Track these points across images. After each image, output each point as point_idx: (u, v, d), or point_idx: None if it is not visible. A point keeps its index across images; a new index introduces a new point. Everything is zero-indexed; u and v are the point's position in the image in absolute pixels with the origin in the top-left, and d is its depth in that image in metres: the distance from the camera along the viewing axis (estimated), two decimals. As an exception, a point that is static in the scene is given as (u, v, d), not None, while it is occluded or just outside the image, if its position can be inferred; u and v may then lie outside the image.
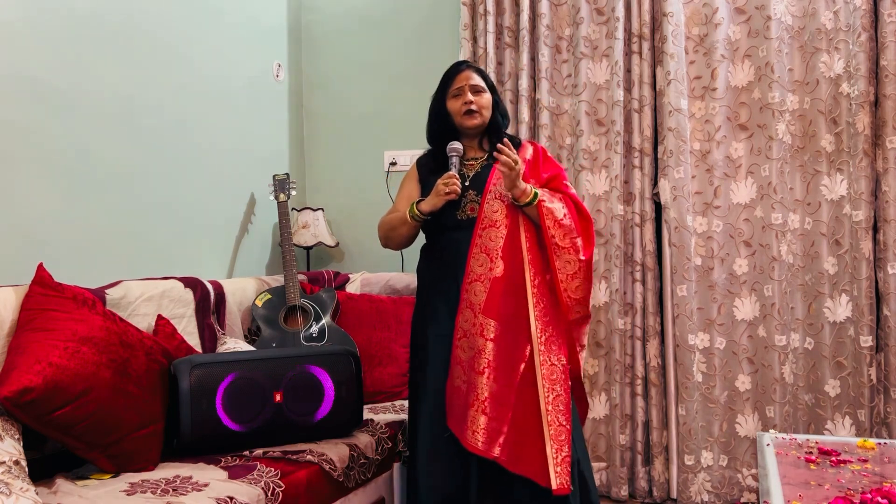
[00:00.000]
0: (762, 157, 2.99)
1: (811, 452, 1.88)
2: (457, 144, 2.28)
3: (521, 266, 2.19)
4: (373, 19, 3.61)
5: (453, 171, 2.24)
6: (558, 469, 2.03)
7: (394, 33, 3.58)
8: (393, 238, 2.40)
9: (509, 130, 2.54)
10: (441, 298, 2.27)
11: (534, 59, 3.22)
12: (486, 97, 2.33)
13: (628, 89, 3.10)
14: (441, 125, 2.37)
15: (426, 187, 2.36)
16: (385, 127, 3.58)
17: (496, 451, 2.07)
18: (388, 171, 3.56)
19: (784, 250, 2.95)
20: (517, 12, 3.23)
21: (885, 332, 2.80)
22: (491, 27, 3.22)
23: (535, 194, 2.19)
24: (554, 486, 2.02)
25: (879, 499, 1.45)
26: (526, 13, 3.17)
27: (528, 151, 2.36)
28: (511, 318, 2.16)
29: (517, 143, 2.35)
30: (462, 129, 2.34)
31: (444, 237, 2.32)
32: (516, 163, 2.14)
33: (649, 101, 3.08)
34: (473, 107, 2.30)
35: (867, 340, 2.80)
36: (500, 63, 3.26)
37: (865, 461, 1.80)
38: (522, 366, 2.12)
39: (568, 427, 2.08)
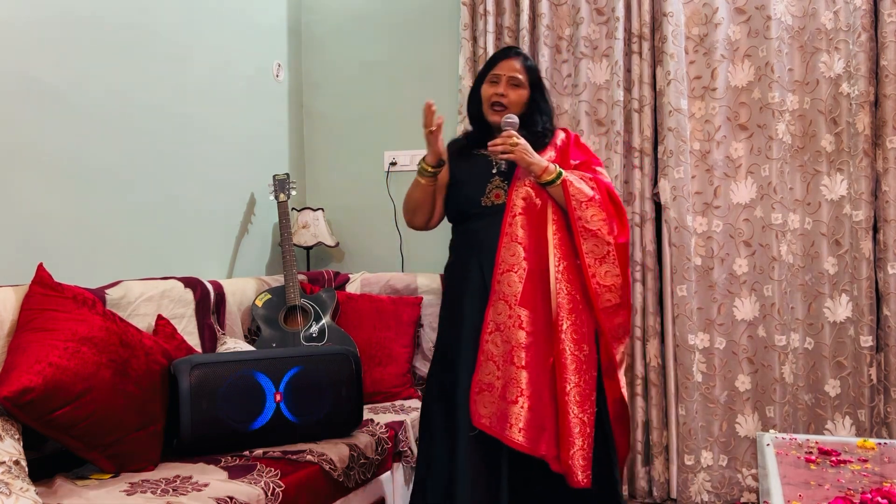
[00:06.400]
0: (762, 157, 2.99)
1: (811, 452, 1.88)
2: (513, 119, 2.17)
3: (548, 253, 2.11)
4: (373, 19, 3.61)
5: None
6: (570, 462, 1.98)
7: (394, 33, 3.58)
8: (410, 207, 2.31)
9: None
10: (464, 289, 2.19)
11: (534, 59, 3.22)
12: (521, 94, 2.23)
13: (628, 89, 3.10)
14: (476, 109, 2.30)
15: (455, 169, 2.29)
16: (385, 127, 3.58)
17: (543, 448, 2.01)
18: (388, 171, 3.55)
19: (784, 250, 2.95)
20: (517, 12, 3.23)
21: (885, 332, 2.80)
22: (491, 27, 3.22)
23: (560, 173, 2.11)
24: (572, 481, 1.98)
25: (879, 499, 1.45)
26: (526, 13, 3.17)
27: (559, 138, 2.28)
28: (541, 308, 2.08)
29: (549, 133, 2.27)
30: (487, 121, 2.26)
31: (467, 225, 2.25)
32: (514, 143, 2.08)
33: (649, 101, 3.08)
34: (503, 101, 2.21)
35: (867, 340, 2.80)
36: (500, 63, 3.26)
37: (865, 461, 1.80)
38: (551, 359, 2.06)
39: (584, 419, 2.01)
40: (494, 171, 2.20)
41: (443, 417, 2.18)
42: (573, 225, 2.11)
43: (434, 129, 2.16)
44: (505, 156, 2.10)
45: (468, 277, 2.19)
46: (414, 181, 2.28)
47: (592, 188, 2.13)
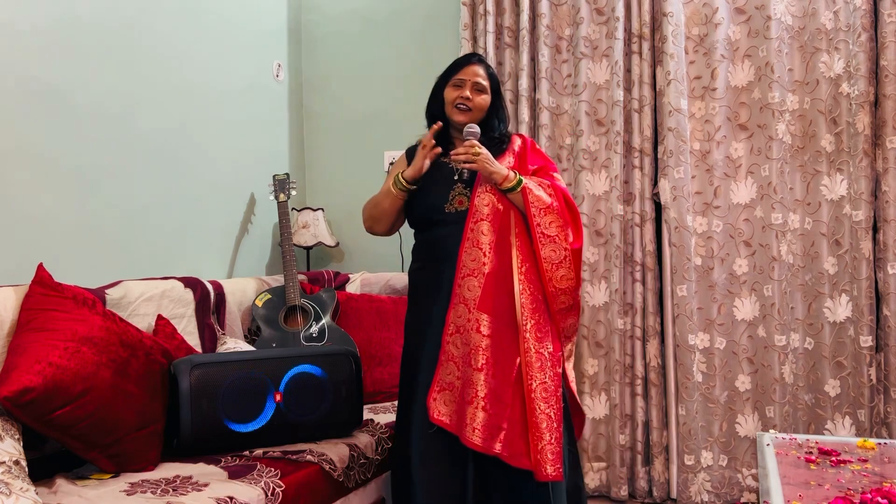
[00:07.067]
0: (762, 157, 2.99)
1: (811, 452, 1.88)
2: (474, 128, 2.23)
3: (510, 257, 2.18)
4: (373, 20, 3.61)
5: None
6: (539, 457, 2.03)
7: (394, 33, 3.58)
8: (376, 216, 2.36)
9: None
10: (433, 296, 2.25)
11: (534, 59, 3.22)
12: (485, 99, 2.30)
13: (628, 89, 3.10)
14: (438, 110, 2.34)
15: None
16: (385, 127, 3.58)
17: (497, 447, 2.06)
18: (387, 171, 3.55)
19: (784, 250, 2.95)
20: (517, 12, 3.23)
21: (885, 332, 2.80)
22: (491, 27, 3.22)
23: (520, 181, 2.18)
24: (540, 475, 2.03)
25: (879, 499, 1.45)
26: (526, 13, 3.17)
27: (517, 144, 2.34)
28: (503, 312, 2.15)
29: (506, 139, 2.34)
30: (451, 121, 2.31)
31: (432, 232, 2.29)
32: (476, 153, 2.14)
33: (649, 101, 3.08)
34: (468, 104, 2.26)
35: (867, 340, 2.80)
36: (500, 63, 3.26)
37: (865, 461, 1.80)
38: (518, 360, 2.12)
39: (551, 414, 2.07)
40: (456, 178, 2.26)
41: (402, 415, 2.27)
42: (532, 231, 2.18)
43: (428, 149, 2.23)
44: (467, 165, 2.17)
45: (437, 284, 2.24)
46: (384, 191, 2.32)
47: (550, 195, 2.21)
